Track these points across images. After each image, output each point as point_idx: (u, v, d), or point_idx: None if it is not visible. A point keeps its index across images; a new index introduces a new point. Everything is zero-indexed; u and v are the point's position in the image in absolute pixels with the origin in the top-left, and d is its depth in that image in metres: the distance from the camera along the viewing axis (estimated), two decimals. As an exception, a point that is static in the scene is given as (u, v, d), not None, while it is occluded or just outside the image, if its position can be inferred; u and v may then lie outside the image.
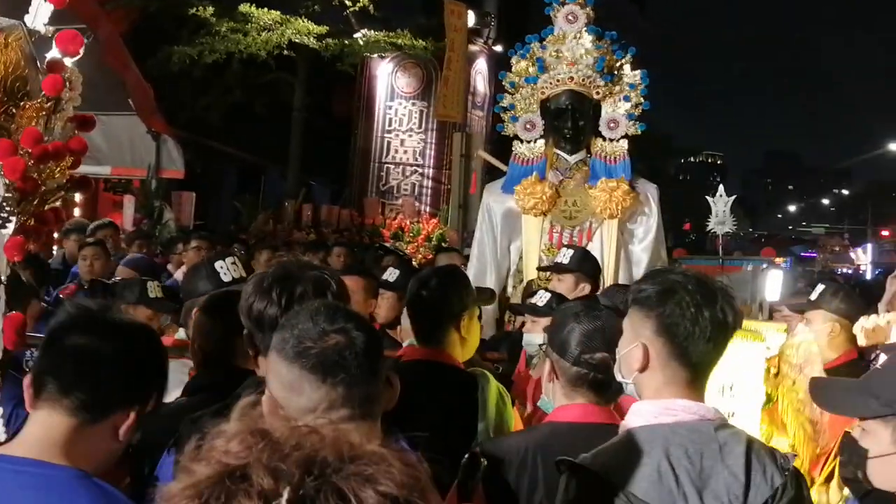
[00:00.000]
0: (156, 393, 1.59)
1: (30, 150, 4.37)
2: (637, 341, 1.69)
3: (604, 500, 1.60)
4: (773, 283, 4.76)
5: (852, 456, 1.65)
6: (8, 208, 3.61)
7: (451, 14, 13.46)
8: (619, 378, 1.79)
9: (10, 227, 3.80)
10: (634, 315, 1.71)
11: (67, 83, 4.17)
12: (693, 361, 1.67)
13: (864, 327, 2.56)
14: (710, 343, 1.66)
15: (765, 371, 2.55)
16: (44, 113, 4.58)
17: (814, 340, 2.96)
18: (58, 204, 5.21)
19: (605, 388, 1.96)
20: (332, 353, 1.37)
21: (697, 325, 1.64)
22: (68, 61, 5.04)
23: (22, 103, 4.65)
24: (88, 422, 1.47)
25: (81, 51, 4.85)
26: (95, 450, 1.49)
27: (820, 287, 3.20)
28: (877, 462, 1.57)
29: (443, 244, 11.66)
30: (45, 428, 1.47)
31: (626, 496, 1.58)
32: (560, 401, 2.03)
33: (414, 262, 8.75)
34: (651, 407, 1.68)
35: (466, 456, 1.97)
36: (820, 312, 3.13)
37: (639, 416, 1.69)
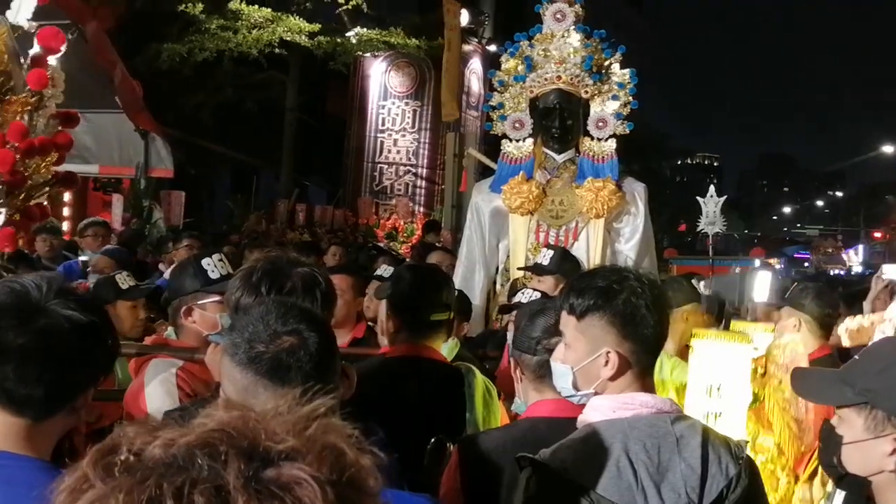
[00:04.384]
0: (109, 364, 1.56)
1: (16, 145, 4.35)
2: (601, 349, 1.68)
3: (563, 497, 1.60)
4: (762, 283, 4.77)
5: (829, 443, 1.67)
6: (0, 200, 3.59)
7: (448, 12, 13.36)
8: (570, 392, 1.76)
9: (0, 218, 3.77)
10: (590, 325, 1.69)
11: (50, 79, 4.13)
12: (653, 349, 1.72)
13: (848, 328, 2.57)
14: (663, 325, 1.71)
15: (752, 371, 2.55)
16: (28, 108, 4.55)
17: (800, 341, 2.98)
18: (43, 200, 5.14)
19: None
20: (286, 356, 1.35)
21: (652, 313, 1.68)
22: (51, 57, 4.97)
23: (6, 98, 4.62)
24: (42, 418, 1.44)
25: (63, 47, 4.81)
26: (55, 434, 1.48)
27: (795, 286, 3.30)
28: (850, 448, 1.59)
29: (436, 245, 11.63)
30: (3, 425, 1.44)
31: (586, 493, 1.58)
32: (532, 398, 2.04)
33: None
34: (609, 402, 1.69)
35: (432, 441, 1.97)
36: (787, 309, 3.26)
37: (597, 410, 1.70)
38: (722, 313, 4.14)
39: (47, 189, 4.68)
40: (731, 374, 2.31)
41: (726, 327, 2.61)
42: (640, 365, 1.69)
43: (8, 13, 4.83)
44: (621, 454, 1.61)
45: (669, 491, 1.60)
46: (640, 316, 1.66)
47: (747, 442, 1.77)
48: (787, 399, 2.76)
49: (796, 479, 2.70)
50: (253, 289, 1.85)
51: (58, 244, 6.47)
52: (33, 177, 4.41)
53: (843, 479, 1.64)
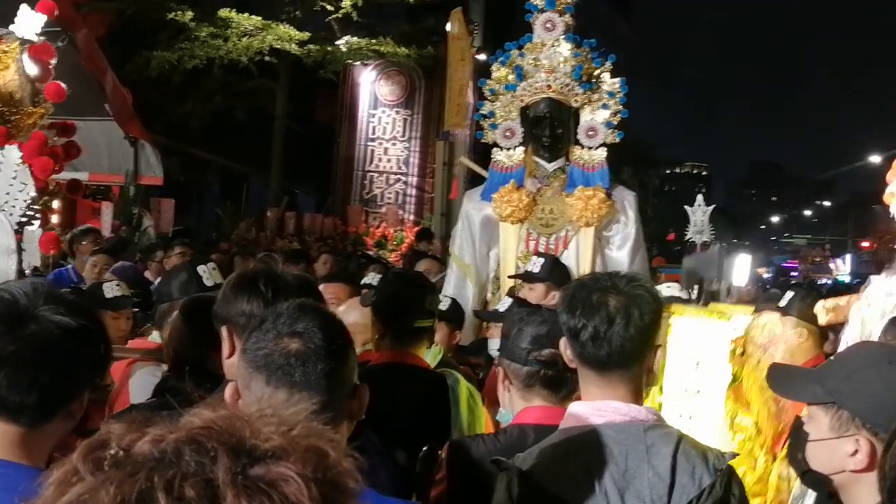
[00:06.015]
0: (104, 366, 1.58)
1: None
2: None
3: (532, 501, 1.64)
4: (741, 267, 4.74)
5: (798, 438, 1.71)
6: (36, 206, 3.66)
7: (458, 22, 13.41)
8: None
9: (37, 223, 3.84)
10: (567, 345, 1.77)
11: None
12: (599, 359, 1.71)
13: (824, 306, 2.59)
14: (617, 339, 1.68)
15: (730, 351, 2.57)
16: (36, 119, 4.65)
17: (778, 321, 2.98)
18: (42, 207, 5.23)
19: (557, 384, 2.01)
20: (279, 357, 1.37)
21: (595, 325, 1.68)
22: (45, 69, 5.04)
23: (17, 109, 4.72)
24: (37, 424, 1.44)
25: (53, 60, 4.88)
26: (51, 440, 1.48)
27: (789, 294, 3.21)
28: (814, 445, 1.62)
29: (426, 253, 11.66)
30: (1, 433, 1.43)
31: (553, 497, 1.62)
32: (519, 406, 2.06)
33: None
34: (583, 408, 1.73)
35: (424, 449, 1.99)
36: (790, 319, 3.13)
37: (572, 417, 1.74)
38: (701, 290, 4.10)
39: (47, 196, 4.76)
40: (709, 350, 2.33)
41: (705, 305, 2.63)
42: (593, 369, 1.71)
43: (13, 27, 4.84)
44: (588, 460, 1.64)
45: (634, 498, 1.62)
46: (581, 325, 1.68)
47: (735, 454, 1.76)
48: (766, 378, 2.77)
49: (774, 457, 2.72)
50: (252, 286, 1.85)
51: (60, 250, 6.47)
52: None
53: (806, 474, 1.67)
